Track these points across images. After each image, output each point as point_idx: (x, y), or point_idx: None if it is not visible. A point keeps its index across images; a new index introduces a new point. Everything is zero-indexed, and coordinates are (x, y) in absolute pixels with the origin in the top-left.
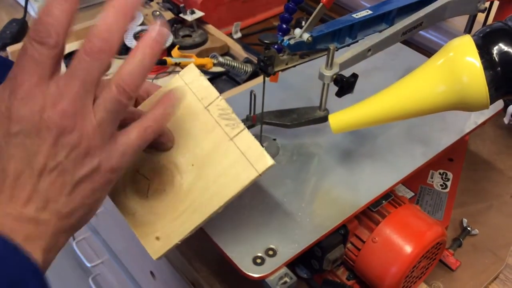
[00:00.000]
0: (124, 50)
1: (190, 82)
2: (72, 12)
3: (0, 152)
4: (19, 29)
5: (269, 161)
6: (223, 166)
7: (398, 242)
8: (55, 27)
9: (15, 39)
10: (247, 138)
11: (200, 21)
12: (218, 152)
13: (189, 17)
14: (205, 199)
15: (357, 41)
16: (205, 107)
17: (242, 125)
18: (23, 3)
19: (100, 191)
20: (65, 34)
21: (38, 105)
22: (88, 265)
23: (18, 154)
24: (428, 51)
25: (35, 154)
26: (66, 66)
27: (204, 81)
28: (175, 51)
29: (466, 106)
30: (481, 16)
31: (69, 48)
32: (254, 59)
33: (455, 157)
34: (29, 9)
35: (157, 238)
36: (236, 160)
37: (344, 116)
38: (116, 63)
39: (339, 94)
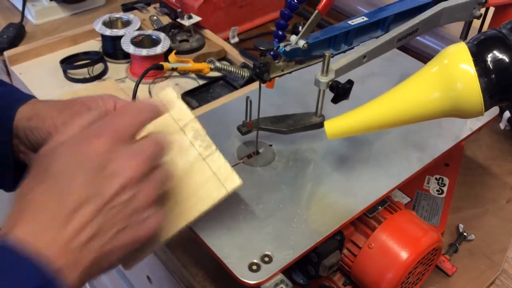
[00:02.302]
0: (122, 55)
1: (166, 103)
2: None
3: (69, 179)
4: (16, 34)
5: (237, 181)
6: (195, 184)
7: (394, 248)
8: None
9: (12, 44)
10: (218, 159)
11: (197, 26)
12: (191, 171)
13: (186, 22)
14: (175, 215)
15: (352, 48)
16: (181, 128)
17: (214, 147)
18: (20, 8)
19: (137, 243)
20: None
21: (125, 153)
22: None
23: (89, 184)
24: (425, 56)
25: (104, 189)
26: (64, 71)
27: (180, 104)
28: (172, 56)
29: (460, 113)
30: (477, 22)
31: (67, 52)
32: (251, 64)
33: (451, 162)
34: (26, 13)
35: None
36: (207, 179)
37: (340, 122)
38: (113, 67)
39: (335, 100)
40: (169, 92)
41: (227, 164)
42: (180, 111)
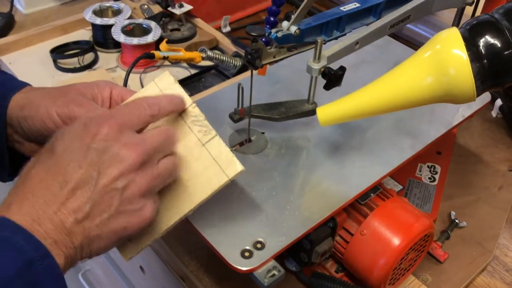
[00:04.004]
0: (112, 44)
1: (164, 88)
2: None
3: (69, 160)
4: (5, 23)
5: (239, 167)
6: (195, 170)
7: (386, 234)
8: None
9: (2, 33)
10: (219, 144)
11: (188, 15)
12: (190, 157)
13: (177, 11)
14: (177, 202)
15: (345, 34)
16: (179, 114)
17: (214, 132)
18: None
19: (127, 231)
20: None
21: (126, 141)
22: (71, 267)
23: (87, 167)
24: (416, 44)
25: (103, 173)
26: (54, 60)
27: (178, 88)
28: (163, 45)
29: (453, 98)
30: (469, 10)
31: (58, 41)
32: (243, 53)
33: (443, 150)
34: (16, 2)
35: (129, 240)
36: (208, 165)
37: (332, 109)
38: (104, 56)
39: (327, 87)
40: (166, 77)
41: (228, 150)
42: None
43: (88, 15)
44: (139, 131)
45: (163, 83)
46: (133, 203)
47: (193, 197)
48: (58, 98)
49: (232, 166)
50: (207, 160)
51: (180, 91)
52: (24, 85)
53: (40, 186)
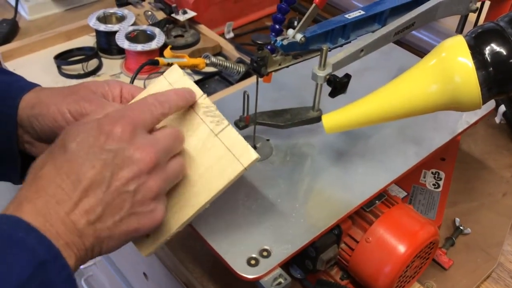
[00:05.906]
0: (116, 50)
1: (174, 82)
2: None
3: (83, 159)
4: (9, 29)
5: (253, 155)
6: (209, 161)
7: (392, 242)
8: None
9: (6, 40)
10: (232, 134)
11: (192, 21)
12: (204, 148)
13: (181, 17)
14: (193, 194)
15: (349, 42)
16: (190, 106)
17: (226, 122)
18: (13, 3)
19: (138, 232)
20: None
21: (140, 143)
22: (81, 266)
23: (101, 168)
24: (420, 51)
25: (116, 175)
26: (58, 67)
27: (187, 80)
28: (167, 51)
29: (458, 106)
30: (472, 16)
31: (62, 48)
32: (247, 59)
33: (447, 156)
34: (20, 9)
35: (147, 236)
36: (222, 155)
37: (337, 117)
38: (108, 63)
39: (332, 94)
40: (174, 70)
41: (242, 139)
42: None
43: (92, 22)
44: (150, 130)
45: (172, 77)
46: (144, 205)
47: (209, 189)
48: (68, 95)
49: (247, 154)
50: (220, 150)
51: (189, 83)
52: (33, 85)
53: (53, 184)
